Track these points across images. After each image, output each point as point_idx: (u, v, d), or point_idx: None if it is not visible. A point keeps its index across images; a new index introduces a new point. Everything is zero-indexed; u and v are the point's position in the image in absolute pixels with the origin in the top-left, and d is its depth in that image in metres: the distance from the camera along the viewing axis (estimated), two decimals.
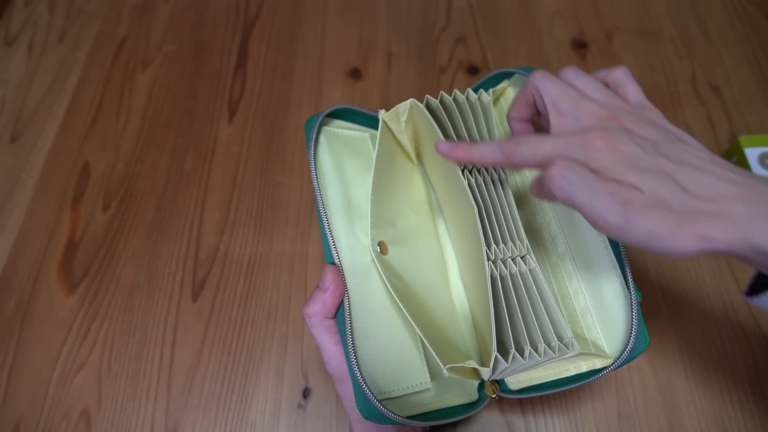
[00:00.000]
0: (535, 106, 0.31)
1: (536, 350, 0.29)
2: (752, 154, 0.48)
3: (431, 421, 0.31)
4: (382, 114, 0.36)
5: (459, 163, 0.33)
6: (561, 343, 0.29)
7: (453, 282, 0.39)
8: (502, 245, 0.32)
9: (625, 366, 0.42)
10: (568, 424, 0.40)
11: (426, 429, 0.37)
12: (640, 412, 0.41)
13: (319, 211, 0.34)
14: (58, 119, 0.56)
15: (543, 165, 0.27)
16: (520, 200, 0.39)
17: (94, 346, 0.44)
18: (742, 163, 0.48)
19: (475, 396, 0.34)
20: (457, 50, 0.60)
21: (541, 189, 0.28)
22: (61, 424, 0.41)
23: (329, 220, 0.34)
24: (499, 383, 0.34)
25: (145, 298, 0.46)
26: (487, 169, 0.34)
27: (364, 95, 0.57)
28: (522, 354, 0.29)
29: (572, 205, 0.26)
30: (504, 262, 0.32)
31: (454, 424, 0.41)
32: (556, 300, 0.33)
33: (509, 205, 0.33)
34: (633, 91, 0.30)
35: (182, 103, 0.57)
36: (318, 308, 0.31)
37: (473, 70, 0.58)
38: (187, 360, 0.44)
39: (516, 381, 0.34)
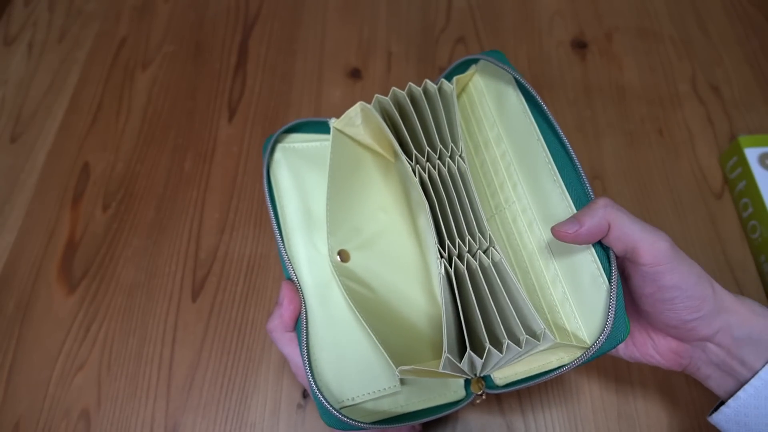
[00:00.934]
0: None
1: (499, 348, 0.28)
2: (752, 154, 0.48)
3: (406, 422, 0.31)
4: (333, 122, 0.36)
5: (411, 158, 0.33)
6: (530, 336, 0.28)
7: (436, 278, 0.37)
8: (458, 241, 0.31)
9: (625, 366, 0.42)
10: (567, 424, 0.40)
11: (416, 429, 0.37)
12: (640, 412, 0.41)
13: (274, 229, 0.34)
14: (58, 119, 0.56)
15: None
16: (491, 188, 0.37)
17: (93, 346, 0.44)
18: (742, 163, 0.48)
19: (461, 394, 0.34)
20: (457, 50, 0.60)
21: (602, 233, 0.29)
22: (61, 424, 0.41)
23: (288, 235, 0.35)
24: (485, 379, 0.33)
25: (145, 298, 0.46)
26: (444, 161, 0.33)
27: (364, 95, 0.57)
28: (481, 354, 0.28)
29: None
30: (461, 257, 0.31)
31: (454, 425, 0.41)
32: (533, 290, 0.32)
33: (470, 198, 0.32)
34: None
35: (182, 103, 0.57)
36: (276, 323, 0.32)
37: None
38: (187, 360, 0.44)
39: (502, 376, 0.33)
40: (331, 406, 0.29)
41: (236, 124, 0.56)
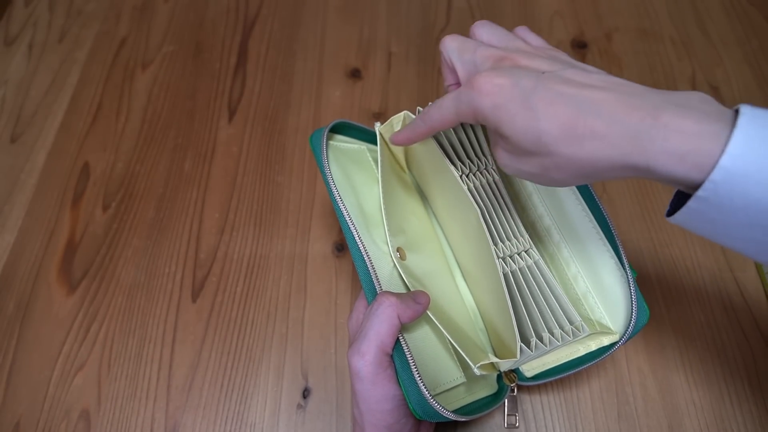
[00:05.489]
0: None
1: (553, 335, 0.31)
2: None
3: (469, 415, 0.32)
4: (379, 127, 0.38)
5: (457, 168, 0.35)
6: (572, 326, 0.32)
7: (458, 281, 0.40)
8: (507, 242, 0.34)
9: (625, 366, 0.42)
10: (567, 424, 0.40)
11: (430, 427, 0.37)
12: (640, 412, 0.41)
13: (347, 222, 0.34)
14: (58, 119, 0.56)
15: (454, 121, 0.29)
16: (514, 198, 0.41)
17: (93, 346, 0.44)
18: None
19: (496, 387, 0.36)
20: None
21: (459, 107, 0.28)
22: (61, 424, 0.41)
23: (360, 230, 0.34)
24: (516, 372, 0.35)
25: (144, 298, 0.46)
26: (482, 173, 0.36)
27: (364, 95, 0.57)
28: (542, 340, 0.31)
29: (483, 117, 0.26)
30: (511, 258, 0.34)
31: (455, 424, 0.41)
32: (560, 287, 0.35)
33: (507, 203, 0.36)
34: (533, 39, 0.31)
35: (182, 103, 0.57)
36: (402, 307, 0.30)
37: None
38: (187, 360, 0.44)
39: (530, 368, 0.36)
40: (429, 393, 0.29)
41: (236, 124, 0.56)
